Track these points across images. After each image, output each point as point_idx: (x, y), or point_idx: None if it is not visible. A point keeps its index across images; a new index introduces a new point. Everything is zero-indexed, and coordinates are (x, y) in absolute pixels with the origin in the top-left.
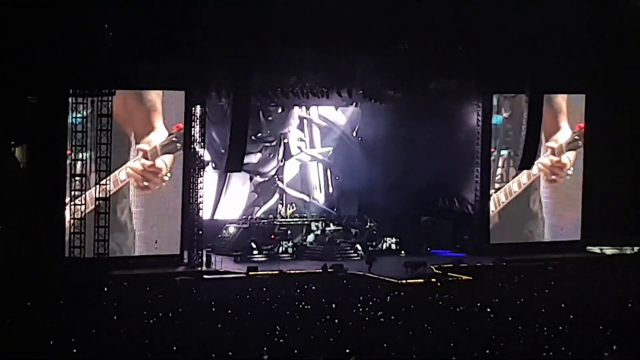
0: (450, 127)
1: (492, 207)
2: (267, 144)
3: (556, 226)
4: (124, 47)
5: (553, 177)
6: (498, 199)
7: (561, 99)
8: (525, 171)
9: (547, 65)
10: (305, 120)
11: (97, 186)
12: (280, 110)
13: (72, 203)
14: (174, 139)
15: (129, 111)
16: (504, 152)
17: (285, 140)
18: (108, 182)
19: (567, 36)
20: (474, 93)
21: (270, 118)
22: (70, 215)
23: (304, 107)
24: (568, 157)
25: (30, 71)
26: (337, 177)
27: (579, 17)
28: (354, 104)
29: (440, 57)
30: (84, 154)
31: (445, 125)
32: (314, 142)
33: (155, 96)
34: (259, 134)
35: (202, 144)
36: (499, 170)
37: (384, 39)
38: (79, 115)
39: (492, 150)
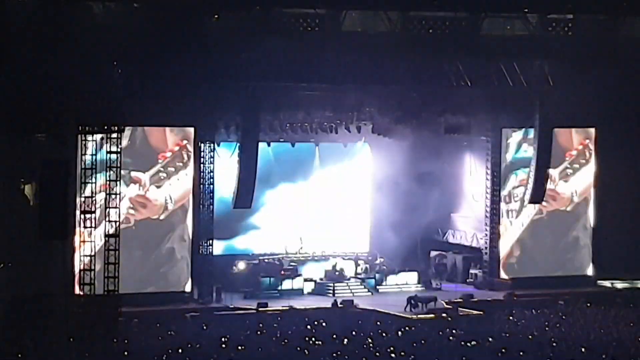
0: (460, 162)
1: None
2: None
3: None
4: (133, 84)
5: (545, 204)
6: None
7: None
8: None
9: (556, 98)
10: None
11: (107, 223)
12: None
13: (82, 240)
14: (160, 169)
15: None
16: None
17: None
18: (118, 218)
19: (576, 69)
20: (482, 128)
21: None
22: (80, 252)
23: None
24: (566, 187)
25: (39, 109)
26: None
27: (588, 48)
28: (363, 139)
29: (449, 92)
30: (94, 191)
31: (455, 159)
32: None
33: None
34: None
35: (211, 180)
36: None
37: (392, 74)
38: (88, 152)
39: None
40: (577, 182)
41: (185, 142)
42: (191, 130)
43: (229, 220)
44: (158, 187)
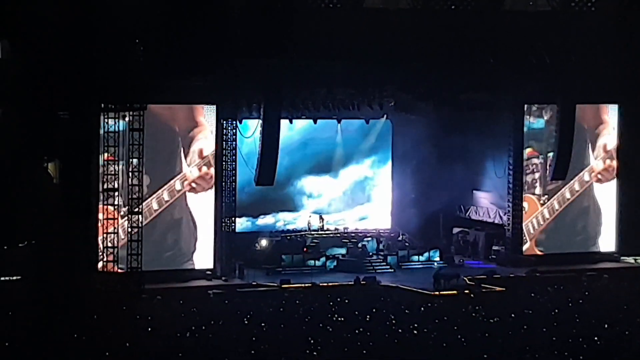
0: (482, 138)
1: (546, 215)
2: None
3: None
4: (155, 61)
5: (599, 177)
6: (552, 206)
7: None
8: (577, 178)
9: (578, 74)
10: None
11: (130, 200)
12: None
13: (105, 217)
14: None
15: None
16: (551, 155)
17: None
18: (140, 195)
19: (600, 44)
20: (505, 104)
21: None
22: (103, 229)
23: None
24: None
25: (62, 87)
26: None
27: (611, 24)
28: (385, 116)
29: (472, 68)
30: (116, 168)
31: (477, 136)
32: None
33: None
34: None
35: (233, 157)
36: (548, 170)
37: (414, 51)
38: (110, 130)
39: (536, 154)
40: None
41: None
42: None
43: (251, 198)
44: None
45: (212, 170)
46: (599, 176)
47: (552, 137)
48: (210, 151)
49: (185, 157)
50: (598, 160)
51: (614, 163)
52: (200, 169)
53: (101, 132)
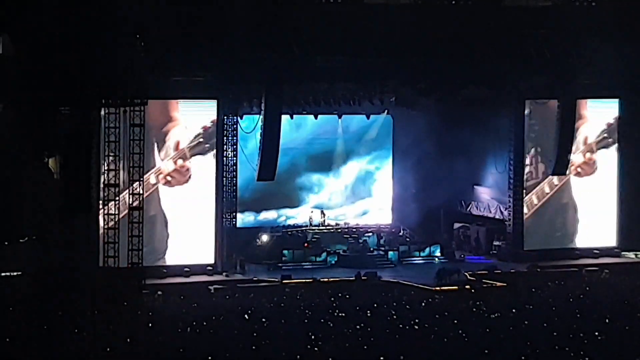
0: (483, 134)
1: (524, 210)
2: None
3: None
4: (156, 56)
5: (579, 171)
6: (531, 202)
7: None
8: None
9: (579, 69)
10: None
11: (130, 195)
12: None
13: (105, 213)
14: (200, 139)
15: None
16: (532, 149)
17: None
18: (141, 191)
19: (600, 39)
20: (506, 100)
21: None
22: (104, 224)
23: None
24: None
25: (63, 82)
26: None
27: (612, 19)
28: (386, 111)
29: (472, 63)
30: (117, 164)
31: (478, 131)
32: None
33: None
34: None
35: (234, 152)
36: (527, 169)
37: (415, 46)
38: (111, 125)
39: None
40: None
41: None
42: None
43: (255, 193)
44: (201, 155)
45: (188, 163)
46: (579, 169)
47: (532, 131)
48: (186, 144)
49: (160, 152)
50: (577, 154)
51: (595, 156)
52: (175, 162)
53: (102, 127)
